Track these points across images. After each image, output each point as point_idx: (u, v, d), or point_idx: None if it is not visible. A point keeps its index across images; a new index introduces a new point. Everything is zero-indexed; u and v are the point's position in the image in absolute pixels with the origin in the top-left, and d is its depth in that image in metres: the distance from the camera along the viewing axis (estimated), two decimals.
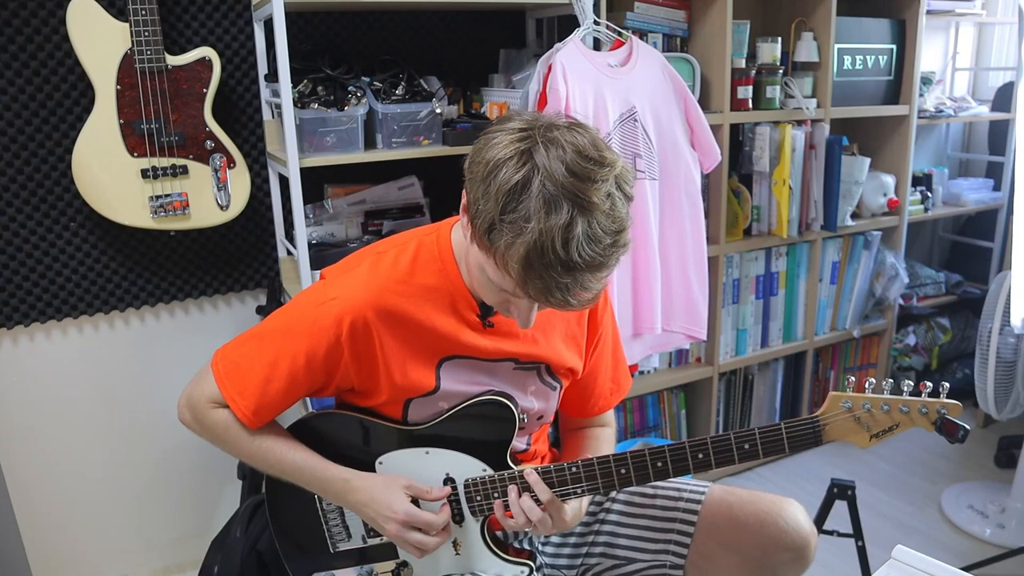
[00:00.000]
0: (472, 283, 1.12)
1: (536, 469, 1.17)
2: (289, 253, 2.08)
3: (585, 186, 0.92)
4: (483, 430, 1.20)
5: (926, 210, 2.99)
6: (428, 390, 1.18)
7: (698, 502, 1.29)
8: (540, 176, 0.92)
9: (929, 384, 1.05)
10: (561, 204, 0.91)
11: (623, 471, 1.14)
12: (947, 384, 1.05)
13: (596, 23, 2.00)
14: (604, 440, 1.38)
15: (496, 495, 1.19)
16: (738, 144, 2.48)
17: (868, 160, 2.64)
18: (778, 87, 2.40)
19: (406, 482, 1.18)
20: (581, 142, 0.95)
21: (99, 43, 1.76)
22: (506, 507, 1.17)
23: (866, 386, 1.08)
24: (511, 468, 1.20)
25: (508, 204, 0.92)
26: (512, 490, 1.17)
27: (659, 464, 1.14)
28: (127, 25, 1.75)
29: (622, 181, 0.97)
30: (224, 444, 1.20)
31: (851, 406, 1.07)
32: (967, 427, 1.02)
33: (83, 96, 1.87)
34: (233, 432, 1.17)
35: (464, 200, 1.02)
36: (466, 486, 1.21)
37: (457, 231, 1.16)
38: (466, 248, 1.08)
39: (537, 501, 1.15)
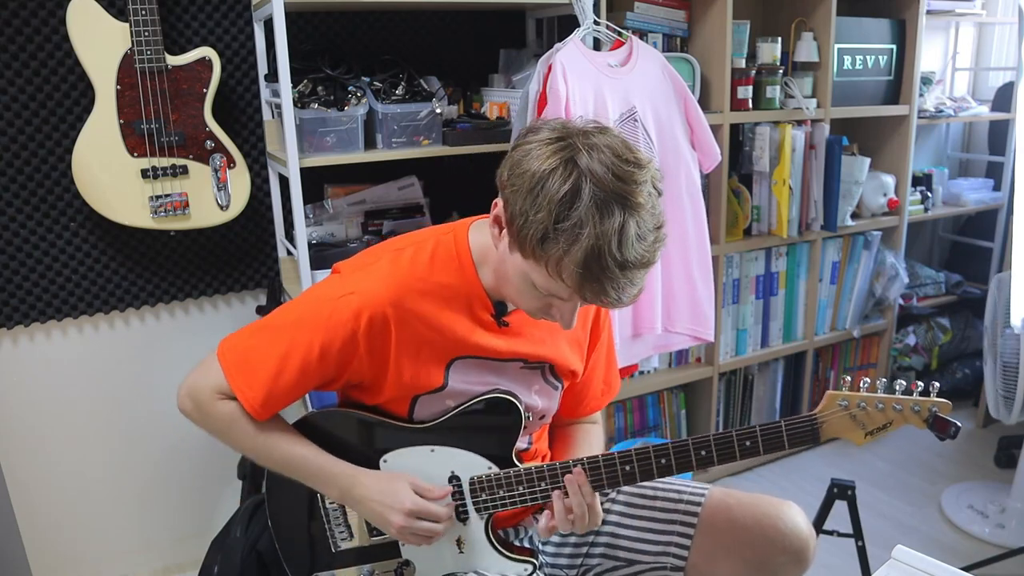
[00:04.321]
0: (503, 290, 1.13)
1: (543, 467, 1.18)
2: (289, 253, 2.09)
3: (630, 188, 0.96)
4: (489, 428, 1.20)
5: (926, 210, 2.99)
6: (436, 387, 1.18)
7: (698, 504, 1.29)
8: (589, 183, 0.95)
9: (920, 383, 1.09)
10: (612, 208, 0.94)
11: (627, 468, 1.15)
12: (937, 384, 1.08)
13: (596, 23, 2.00)
14: (594, 435, 1.39)
15: (501, 493, 1.20)
16: (738, 144, 2.48)
17: (868, 160, 2.64)
18: (778, 87, 2.40)
19: (410, 478, 1.19)
20: (615, 144, 0.99)
21: (99, 43, 1.76)
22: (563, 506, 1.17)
23: (861, 385, 1.10)
24: (516, 466, 1.20)
25: (561, 213, 0.95)
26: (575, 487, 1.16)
27: (663, 461, 1.14)
28: (127, 25, 1.75)
29: (655, 179, 1.01)
30: (227, 437, 1.18)
31: (847, 404, 1.09)
32: (958, 424, 1.05)
33: (83, 96, 1.87)
34: (238, 425, 1.16)
35: (499, 211, 1.04)
36: (471, 484, 1.21)
37: (475, 233, 1.17)
38: (496, 256, 1.10)
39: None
